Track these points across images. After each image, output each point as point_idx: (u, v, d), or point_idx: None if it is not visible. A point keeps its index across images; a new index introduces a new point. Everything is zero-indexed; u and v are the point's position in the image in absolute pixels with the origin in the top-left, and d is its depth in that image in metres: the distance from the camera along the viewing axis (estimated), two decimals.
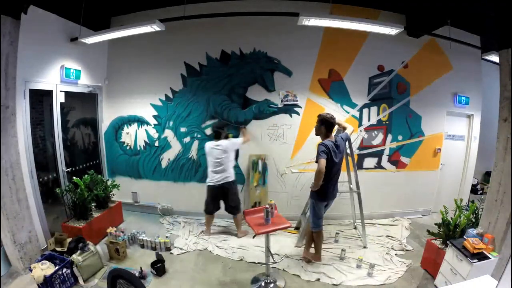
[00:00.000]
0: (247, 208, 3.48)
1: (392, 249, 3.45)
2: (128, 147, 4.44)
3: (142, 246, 3.48)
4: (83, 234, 3.14)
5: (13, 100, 2.70)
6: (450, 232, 2.84)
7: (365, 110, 4.14)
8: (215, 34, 3.94)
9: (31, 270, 2.54)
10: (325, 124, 2.86)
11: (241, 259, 3.23)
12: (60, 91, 3.49)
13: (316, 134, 2.99)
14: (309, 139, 4.12)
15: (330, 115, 2.88)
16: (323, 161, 2.68)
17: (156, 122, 4.29)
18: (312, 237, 3.15)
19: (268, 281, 2.77)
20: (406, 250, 3.43)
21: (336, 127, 3.00)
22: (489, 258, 2.34)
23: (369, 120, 4.17)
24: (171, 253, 3.33)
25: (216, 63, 4.03)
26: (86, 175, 3.57)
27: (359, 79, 4.06)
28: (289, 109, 4.07)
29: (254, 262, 3.13)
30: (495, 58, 3.44)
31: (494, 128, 2.75)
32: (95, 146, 4.37)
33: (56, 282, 2.54)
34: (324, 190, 2.88)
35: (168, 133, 4.28)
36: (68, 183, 3.49)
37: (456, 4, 3.19)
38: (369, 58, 4.00)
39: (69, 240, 2.99)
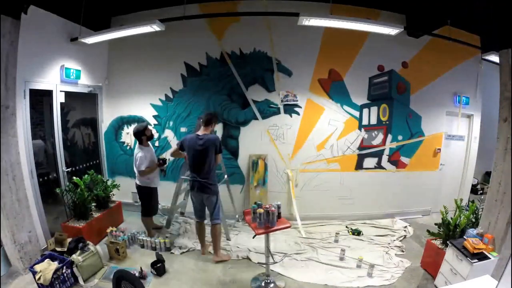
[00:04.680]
0: (247, 208, 3.48)
1: (392, 249, 3.45)
2: (128, 147, 4.43)
3: (142, 246, 3.48)
4: (83, 234, 3.14)
5: (13, 100, 2.70)
6: (450, 232, 2.84)
7: (365, 110, 4.14)
8: (215, 34, 3.94)
9: (31, 271, 2.54)
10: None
11: (242, 259, 3.24)
12: (60, 91, 3.49)
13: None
14: (309, 139, 4.13)
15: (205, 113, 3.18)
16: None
17: (156, 122, 4.29)
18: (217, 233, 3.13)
19: (268, 281, 2.77)
20: (402, 251, 3.43)
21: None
22: (489, 258, 2.34)
23: (369, 120, 4.18)
24: (171, 253, 3.33)
25: (216, 63, 4.03)
26: (86, 175, 3.56)
27: (359, 79, 4.06)
28: (289, 109, 4.07)
29: (262, 264, 3.11)
30: (495, 58, 3.44)
31: (494, 128, 2.75)
32: (95, 146, 4.37)
33: (56, 282, 2.54)
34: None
35: (168, 133, 4.28)
36: (68, 183, 3.49)
37: (456, 4, 3.19)
38: (369, 58, 4.00)
39: (69, 240, 2.99)
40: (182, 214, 4.04)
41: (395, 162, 4.31)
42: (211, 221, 3.08)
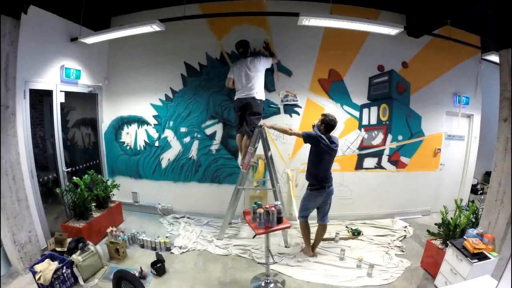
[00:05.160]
0: (247, 208, 3.49)
1: (392, 249, 3.45)
2: (128, 147, 4.44)
3: (142, 246, 3.48)
4: (83, 234, 3.14)
5: (13, 100, 2.70)
6: (450, 232, 2.84)
7: (365, 110, 4.14)
8: (215, 34, 3.94)
9: (31, 271, 2.54)
10: (325, 125, 2.93)
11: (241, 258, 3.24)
12: (60, 91, 3.49)
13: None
14: None
15: (333, 117, 2.91)
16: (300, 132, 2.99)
17: (156, 122, 4.29)
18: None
19: (268, 281, 2.77)
20: (402, 251, 3.43)
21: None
22: (489, 258, 2.34)
23: (369, 120, 4.18)
24: (171, 253, 3.33)
25: (216, 63, 4.03)
26: (86, 175, 3.57)
27: (359, 79, 4.06)
28: (289, 109, 4.07)
29: (262, 264, 3.10)
30: (495, 58, 3.44)
31: (494, 128, 2.75)
32: (95, 146, 4.37)
33: (56, 282, 2.54)
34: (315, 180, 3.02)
35: (168, 133, 4.29)
36: (68, 183, 3.49)
37: (456, 4, 3.19)
38: (369, 58, 4.00)
39: (69, 240, 2.99)
40: (230, 224, 3.97)
41: (395, 162, 4.31)
42: (325, 221, 3.20)
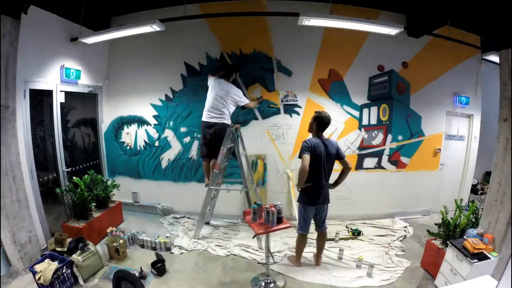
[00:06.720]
0: (246, 208, 3.49)
1: (392, 249, 3.45)
2: (128, 147, 4.44)
3: (142, 246, 3.48)
4: (83, 234, 3.15)
5: (13, 100, 2.70)
6: (450, 232, 2.84)
7: (365, 110, 4.14)
8: (215, 34, 3.94)
9: (31, 271, 2.54)
10: (318, 122, 2.76)
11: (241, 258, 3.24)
12: (60, 91, 3.49)
13: (308, 131, 2.89)
14: None
15: (326, 114, 2.77)
16: (306, 157, 2.61)
17: (156, 122, 4.29)
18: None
19: (268, 281, 2.77)
20: (402, 251, 3.43)
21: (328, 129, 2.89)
22: (489, 258, 2.34)
23: (369, 120, 4.18)
24: (171, 253, 3.33)
25: (216, 63, 4.02)
26: (86, 175, 3.57)
27: (359, 79, 4.06)
28: (289, 109, 4.07)
29: (263, 264, 3.09)
30: (495, 58, 3.44)
31: (494, 128, 2.75)
32: (95, 146, 4.38)
33: (56, 282, 2.54)
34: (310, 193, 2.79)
35: (168, 133, 4.28)
36: (68, 183, 3.49)
37: (456, 4, 3.19)
38: (369, 58, 4.00)
39: (69, 240, 2.99)
40: (207, 223, 4.04)
41: (395, 162, 4.31)
42: (323, 228, 3.02)
